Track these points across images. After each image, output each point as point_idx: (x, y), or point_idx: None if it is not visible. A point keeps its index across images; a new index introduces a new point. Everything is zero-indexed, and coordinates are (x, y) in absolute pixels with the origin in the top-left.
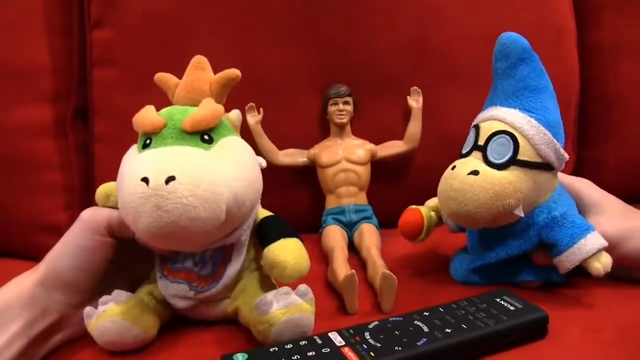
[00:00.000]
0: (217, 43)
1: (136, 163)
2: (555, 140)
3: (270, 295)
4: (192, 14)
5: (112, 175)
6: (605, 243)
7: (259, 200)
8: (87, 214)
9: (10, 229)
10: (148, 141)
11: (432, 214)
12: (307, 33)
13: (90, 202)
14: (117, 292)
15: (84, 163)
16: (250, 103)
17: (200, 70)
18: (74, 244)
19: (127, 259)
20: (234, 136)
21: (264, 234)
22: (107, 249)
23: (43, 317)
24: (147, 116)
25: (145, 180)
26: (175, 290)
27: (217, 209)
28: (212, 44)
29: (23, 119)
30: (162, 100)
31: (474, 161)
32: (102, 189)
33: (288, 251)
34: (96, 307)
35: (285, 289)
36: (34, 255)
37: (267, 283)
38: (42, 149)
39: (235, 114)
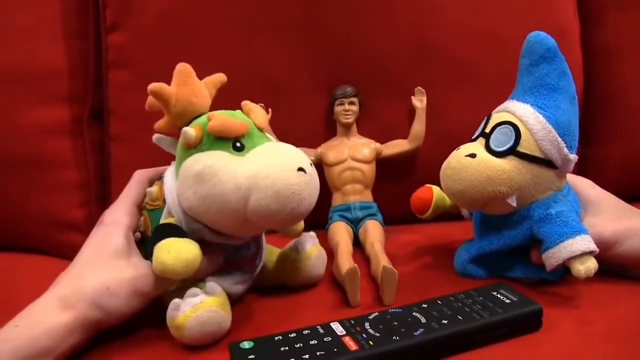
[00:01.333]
0: (227, 45)
1: (273, 159)
2: (560, 140)
3: (303, 237)
4: (203, 18)
5: (127, 173)
6: (595, 249)
7: None
8: (145, 287)
9: (28, 226)
10: (239, 144)
11: (445, 196)
12: (314, 35)
13: (105, 199)
14: (211, 285)
15: (99, 162)
16: (260, 104)
17: (194, 77)
18: (126, 305)
19: None
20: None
21: None
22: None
23: (70, 350)
24: (235, 121)
25: (301, 169)
26: (233, 279)
27: None
28: (222, 46)
29: (40, 119)
30: None
31: (476, 146)
32: (193, 257)
33: None
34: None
35: (312, 233)
36: (51, 251)
37: (268, 246)
38: (59, 149)
39: None
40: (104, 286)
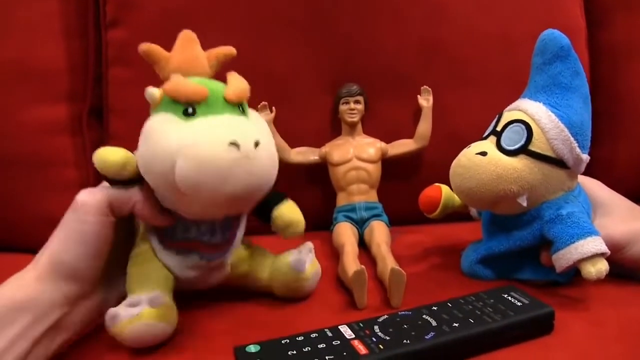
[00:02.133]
0: (231, 43)
1: (203, 129)
2: (572, 139)
3: (298, 255)
4: (205, 14)
5: None
6: (606, 251)
7: None
8: (84, 198)
9: (26, 225)
10: (190, 110)
11: (454, 195)
12: (319, 33)
13: None
14: (154, 296)
15: None
16: (263, 102)
17: (193, 43)
18: (78, 230)
19: (117, 242)
20: (251, 109)
21: (267, 198)
22: (111, 230)
23: (45, 316)
24: (190, 85)
25: (234, 144)
26: (185, 262)
27: (276, 172)
28: (225, 44)
29: (40, 117)
30: None
31: (487, 144)
32: (116, 156)
33: (296, 211)
34: (98, 303)
35: (309, 245)
36: None
37: (259, 249)
38: (58, 147)
39: (263, 114)
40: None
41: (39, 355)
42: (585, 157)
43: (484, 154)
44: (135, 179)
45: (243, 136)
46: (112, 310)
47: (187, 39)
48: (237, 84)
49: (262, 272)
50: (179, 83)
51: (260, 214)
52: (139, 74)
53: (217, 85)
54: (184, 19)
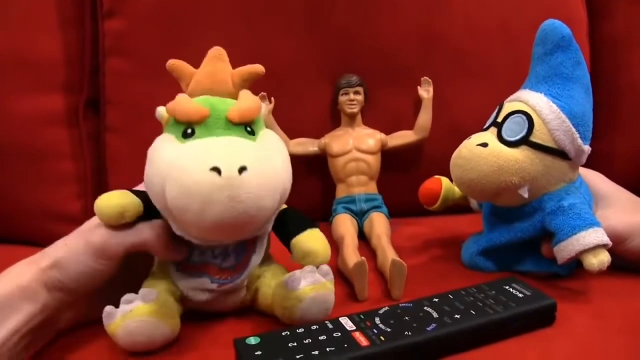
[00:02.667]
0: (229, 32)
1: (193, 152)
2: (574, 130)
3: (297, 272)
4: (204, 4)
5: (124, 164)
6: (608, 242)
7: None
8: (99, 241)
9: (22, 218)
10: (190, 131)
11: (454, 187)
12: (317, 23)
13: (101, 191)
14: (146, 291)
15: (95, 152)
16: (262, 93)
17: (221, 62)
18: (82, 264)
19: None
20: (266, 129)
21: (289, 224)
22: (116, 269)
23: (41, 312)
24: (190, 105)
25: (216, 170)
26: (195, 284)
27: (277, 198)
28: (223, 34)
29: (35, 108)
30: (173, 90)
31: (488, 135)
32: (112, 205)
33: (317, 240)
34: (101, 302)
35: (310, 267)
36: (46, 243)
37: (282, 269)
38: (54, 139)
39: (264, 108)
40: (66, 246)
41: (31, 347)
42: (587, 148)
43: (484, 145)
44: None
45: (227, 161)
46: (107, 308)
47: (213, 56)
48: (243, 103)
49: (268, 291)
50: (179, 102)
51: (283, 241)
52: (136, 65)
53: (225, 105)
54: (181, 10)
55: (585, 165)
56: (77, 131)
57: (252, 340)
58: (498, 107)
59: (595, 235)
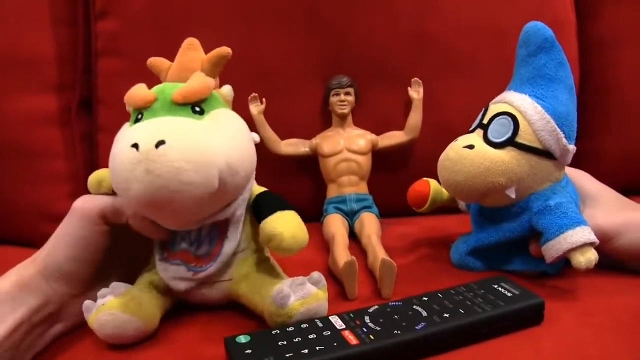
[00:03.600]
0: (221, 33)
1: (127, 134)
2: (558, 130)
3: (286, 287)
4: (196, 5)
5: None
6: (595, 240)
7: (254, 175)
8: (79, 204)
9: (14, 217)
10: (140, 116)
11: (442, 189)
12: (309, 24)
13: None
14: (115, 285)
15: (88, 152)
16: (253, 93)
17: (192, 51)
18: (70, 234)
19: (122, 247)
20: (225, 109)
21: (260, 209)
22: (103, 237)
23: (44, 306)
24: (138, 91)
25: (135, 146)
26: (174, 272)
27: (209, 174)
28: (215, 35)
29: (28, 108)
30: None
31: (474, 137)
32: (94, 176)
33: (284, 223)
34: (95, 300)
35: (301, 279)
36: (39, 243)
37: (270, 269)
38: (46, 138)
39: (227, 88)
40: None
41: (36, 342)
42: (572, 148)
43: (471, 147)
44: None
45: (147, 137)
46: (86, 302)
47: (184, 46)
48: (189, 85)
49: (258, 296)
50: (131, 91)
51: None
52: (128, 65)
53: (173, 88)
54: (173, 11)
55: (573, 165)
56: (70, 131)
57: (243, 339)
58: (483, 109)
59: (582, 234)
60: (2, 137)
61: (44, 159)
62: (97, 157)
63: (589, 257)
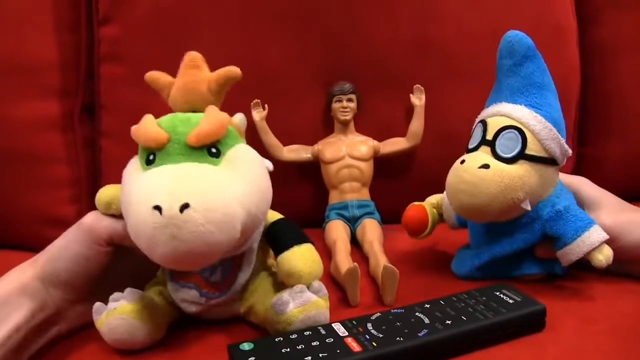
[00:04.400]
0: (223, 39)
1: (144, 185)
2: (560, 136)
3: (286, 294)
4: (198, 11)
5: (119, 169)
6: (606, 236)
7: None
8: (89, 221)
9: (17, 222)
10: (152, 157)
11: (434, 210)
12: (311, 30)
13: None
14: (129, 290)
15: (90, 157)
16: (256, 100)
17: (195, 69)
18: (72, 249)
19: (128, 260)
20: (240, 144)
21: (276, 239)
22: (105, 258)
23: (42, 309)
24: (149, 130)
25: (157, 208)
26: (185, 295)
27: (232, 230)
28: (217, 41)
29: (30, 113)
30: None
31: (484, 155)
32: (103, 196)
33: (302, 259)
34: (106, 304)
35: (300, 287)
36: (40, 248)
37: (275, 281)
38: (49, 144)
39: (239, 118)
40: (60, 237)
41: (33, 345)
42: (570, 151)
43: (486, 166)
44: None
45: (169, 198)
46: (96, 305)
47: (187, 64)
48: (205, 124)
49: (261, 306)
50: (139, 127)
51: (275, 254)
52: (131, 71)
53: (190, 125)
54: (176, 17)
55: (575, 171)
56: (72, 136)
57: (246, 346)
58: (481, 124)
59: (598, 234)
60: (5, 142)
61: (46, 164)
62: (99, 162)
63: (607, 254)
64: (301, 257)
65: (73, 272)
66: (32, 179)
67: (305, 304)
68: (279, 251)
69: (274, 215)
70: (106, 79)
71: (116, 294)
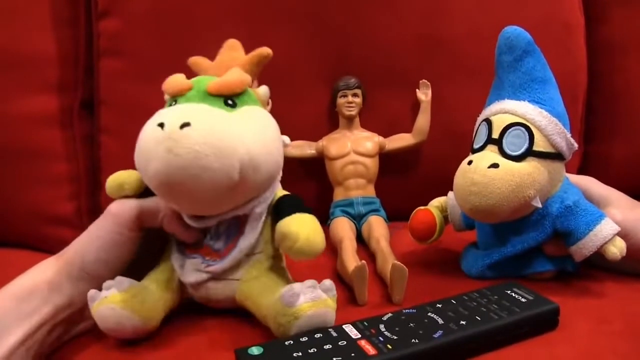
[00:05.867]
0: (225, 34)
1: (155, 116)
2: (565, 130)
3: (296, 287)
4: (199, 5)
5: (118, 166)
6: (618, 228)
7: (279, 177)
8: (115, 208)
9: (15, 219)
10: (174, 103)
11: (440, 214)
12: (316, 25)
13: (95, 192)
14: (120, 279)
15: (89, 153)
16: None
17: (233, 51)
18: (103, 238)
19: (148, 252)
20: (258, 107)
21: (280, 210)
22: (135, 243)
23: (68, 306)
24: (175, 79)
25: (161, 125)
26: (187, 263)
27: (229, 164)
28: (219, 35)
29: (29, 109)
30: None
31: (491, 154)
32: (114, 180)
33: (301, 224)
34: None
35: (312, 282)
36: (39, 246)
37: (282, 276)
38: (48, 139)
39: (263, 89)
40: (87, 229)
41: (57, 341)
42: (576, 145)
43: (496, 165)
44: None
45: (173, 118)
46: (90, 292)
47: (226, 46)
48: (225, 77)
49: (265, 299)
50: (169, 78)
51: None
52: (130, 66)
53: (211, 79)
54: (176, 11)
55: (581, 169)
56: (71, 132)
57: (255, 351)
58: (485, 123)
59: (609, 226)
60: (3, 138)
61: (45, 160)
62: (99, 158)
63: (620, 246)
64: (300, 221)
65: (103, 262)
66: (30, 175)
67: (315, 300)
68: (279, 218)
69: (283, 192)
70: (105, 74)
71: (109, 282)
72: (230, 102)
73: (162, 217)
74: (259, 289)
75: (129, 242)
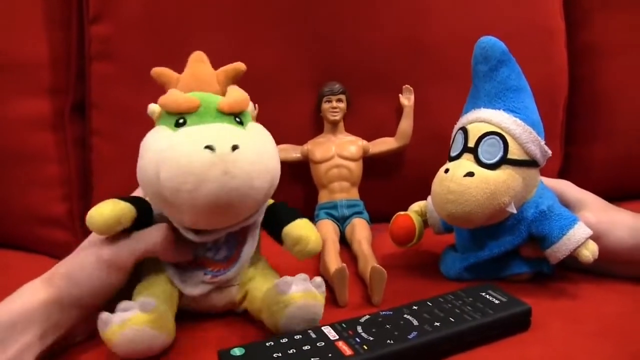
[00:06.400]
0: (214, 39)
1: (185, 136)
2: (539, 138)
3: (289, 278)
4: (190, 10)
5: (109, 168)
6: (590, 232)
7: None
8: (107, 257)
9: (7, 221)
10: (182, 120)
11: (420, 218)
12: (301, 31)
13: (87, 194)
14: (145, 301)
15: (81, 156)
16: None
17: (202, 64)
18: (97, 277)
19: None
20: (256, 123)
21: (279, 215)
22: (128, 277)
23: (56, 330)
24: (181, 97)
25: (209, 148)
26: (189, 278)
27: (270, 181)
28: (209, 40)
29: (21, 111)
30: (158, 95)
31: (467, 163)
32: (106, 214)
33: (308, 228)
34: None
35: (304, 275)
36: (31, 247)
37: (273, 274)
38: (39, 142)
39: (251, 105)
40: (77, 262)
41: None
42: (550, 152)
43: (471, 174)
44: (144, 221)
45: (220, 140)
46: (104, 315)
47: (195, 59)
48: (232, 95)
49: (258, 295)
50: (171, 95)
51: (273, 234)
52: (122, 70)
53: (214, 98)
54: (167, 16)
55: (561, 172)
56: (63, 135)
57: (237, 351)
58: (461, 131)
59: (582, 230)
60: None
61: (37, 163)
62: (90, 161)
63: (593, 250)
64: (307, 226)
65: (98, 296)
66: (22, 177)
67: (307, 291)
68: (284, 223)
69: (270, 200)
70: (97, 77)
71: (127, 303)
72: (238, 119)
73: (153, 249)
74: (254, 288)
75: (125, 278)
